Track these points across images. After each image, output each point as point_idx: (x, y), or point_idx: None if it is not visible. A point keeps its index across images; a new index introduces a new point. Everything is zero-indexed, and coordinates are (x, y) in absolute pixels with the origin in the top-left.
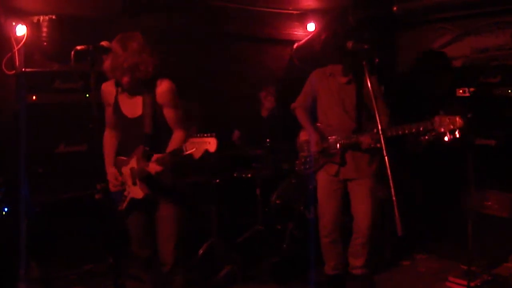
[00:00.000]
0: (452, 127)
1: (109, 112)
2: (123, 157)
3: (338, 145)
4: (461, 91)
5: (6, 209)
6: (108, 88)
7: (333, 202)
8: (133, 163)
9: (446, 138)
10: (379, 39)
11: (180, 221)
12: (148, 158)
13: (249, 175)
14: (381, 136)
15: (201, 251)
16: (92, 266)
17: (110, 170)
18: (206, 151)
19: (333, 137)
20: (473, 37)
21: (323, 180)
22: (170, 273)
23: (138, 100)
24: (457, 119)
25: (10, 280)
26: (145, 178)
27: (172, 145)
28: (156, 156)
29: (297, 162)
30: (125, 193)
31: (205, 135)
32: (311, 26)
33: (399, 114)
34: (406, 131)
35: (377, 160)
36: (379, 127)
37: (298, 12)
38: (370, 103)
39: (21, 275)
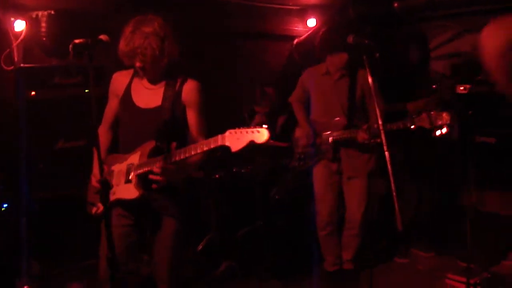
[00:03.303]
0: (440, 122)
1: (113, 104)
2: (118, 154)
3: (330, 140)
4: (461, 88)
5: (5, 206)
6: (120, 78)
7: (330, 195)
8: (133, 159)
9: (437, 133)
10: (380, 36)
11: (182, 236)
12: (155, 155)
13: (249, 170)
14: (382, 131)
15: (200, 246)
16: (91, 261)
17: (96, 174)
18: (252, 143)
19: (326, 133)
20: (474, 34)
21: (320, 174)
22: None
23: (158, 91)
24: (444, 115)
25: (10, 276)
26: (144, 176)
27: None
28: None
29: (293, 158)
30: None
31: (252, 127)
32: (311, 22)
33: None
34: (394, 128)
35: (374, 159)
36: (380, 122)
37: (298, 7)
38: (363, 98)
39: (21, 271)
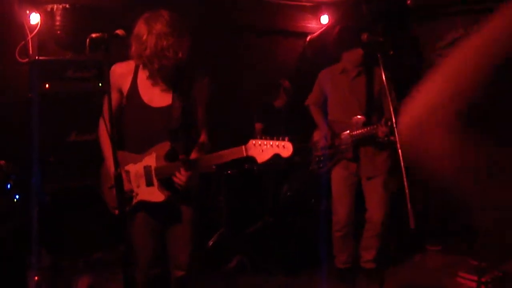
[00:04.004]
0: None
1: (115, 98)
2: (128, 153)
3: (350, 138)
4: None
5: (17, 197)
6: (121, 70)
7: (348, 198)
8: (149, 160)
9: None
10: (393, 32)
11: (198, 224)
12: (172, 158)
13: (260, 167)
14: (395, 129)
15: (211, 242)
16: (101, 254)
17: (111, 168)
18: (277, 156)
19: (346, 132)
20: None
21: (338, 175)
22: (184, 278)
23: (168, 88)
24: None
25: (20, 267)
26: (166, 179)
27: (205, 149)
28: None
29: (311, 161)
30: (125, 195)
31: (277, 138)
32: (324, 19)
33: None
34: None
35: (391, 156)
36: (393, 120)
37: (311, 4)
38: (379, 95)
39: (32, 263)
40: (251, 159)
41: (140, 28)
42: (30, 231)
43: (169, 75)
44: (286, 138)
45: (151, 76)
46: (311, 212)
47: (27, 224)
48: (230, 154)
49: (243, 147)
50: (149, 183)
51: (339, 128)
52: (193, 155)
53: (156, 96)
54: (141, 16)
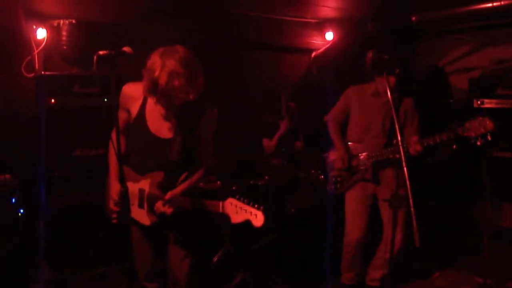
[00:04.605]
0: (483, 130)
1: (122, 116)
2: (130, 170)
3: (370, 159)
4: (478, 102)
5: (22, 211)
6: (132, 93)
7: (363, 220)
8: (144, 184)
9: (478, 143)
10: (398, 49)
11: (194, 239)
12: (164, 188)
13: (265, 183)
14: (400, 147)
15: (215, 259)
16: (104, 269)
17: (115, 185)
18: (248, 222)
19: (364, 153)
20: (491, 48)
21: (355, 196)
22: None
23: (173, 121)
24: (487, 122)
25: (25, 281)
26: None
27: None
28: (170, 194)
29: (328, 181)
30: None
31: (252, 205)
32: (329, 35)
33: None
34: (438, 140)
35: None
36: (399, 138)
37: (316, 20)
38: (404, 121)
39: (36, 277)
40: (225, 217)
41: (153, 62)
42: (35, 246)
43: (176, 107)
44: (261, 208)
45: (159, 103)
46: (316, 228)
47: (31, 239)
48: (208, 205)
49: (220, 203)
50: (141, 205)
51: (358, 148)
52: (179, 189)
53: (161, 126)
54: (156, 50)
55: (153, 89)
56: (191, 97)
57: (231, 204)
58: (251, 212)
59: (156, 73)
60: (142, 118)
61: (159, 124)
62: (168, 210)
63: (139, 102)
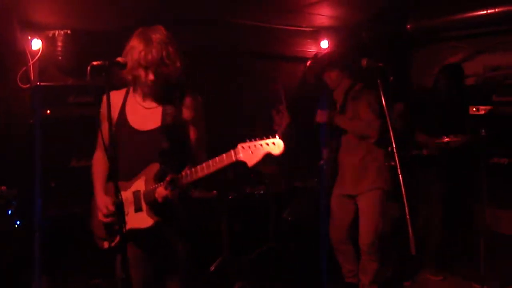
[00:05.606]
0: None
1: (105, 128)
2: (120, 181)
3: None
4: (474, 109)
5: (18, 222)
6: (113, 100)
7: (341, 215)
8: (138, 184)
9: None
10: (393, 57)
11: (188, 253)
12: (161, 178)
13: (262, 192)
14: (395, 153)
15: (212, 267)
16: (101, 280)
17: (101, 198)
18: (268, 155)
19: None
20: (486, 55)
21: (334, 194)
22: None
23: (157, 110)
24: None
25: None
26: (154, 203)
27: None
28: (171, 175)
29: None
30: (116, 226)
31: (266, 137)
32: (324, 43)
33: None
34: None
35: (382, 176)
36: (393, 145)
37: (311, 29)
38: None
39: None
40: (241, 164)
41: (137, 40)
42: (31, 257)
43: (160, 93)
44: (276, 135)
45: (141, 95)
46: (313, 236)
47: (27, 250)
48: (218, 161)
49: (232, 151)
50: (138, 208)
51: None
52: (181, 173)
53: (145, 119)
54: (134, 32)
55: (141, 63)
56: (178, 64)
57: (243, 147)
58: (267, 144)
59: (142, 46)
60: (123, 118)
61: (142, 118)
62: (171, 193)
63: (119, 105)
